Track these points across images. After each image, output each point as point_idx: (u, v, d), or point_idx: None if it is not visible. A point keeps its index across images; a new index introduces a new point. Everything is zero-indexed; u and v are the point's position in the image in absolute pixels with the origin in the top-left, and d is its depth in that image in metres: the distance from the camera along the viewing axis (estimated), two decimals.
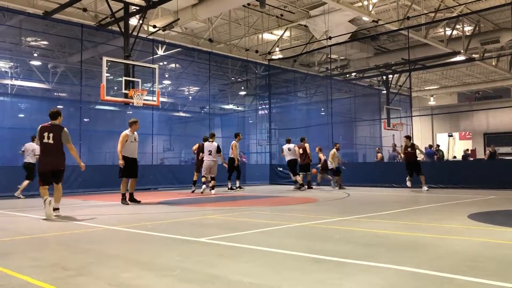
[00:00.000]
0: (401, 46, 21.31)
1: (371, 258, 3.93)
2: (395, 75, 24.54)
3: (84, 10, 14.30)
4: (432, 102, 32.10)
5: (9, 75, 21.08)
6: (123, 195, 9.93)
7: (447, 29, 18.77)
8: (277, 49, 20.35)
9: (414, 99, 27.64)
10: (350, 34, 18.56)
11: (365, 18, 16.80)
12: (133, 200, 10.07)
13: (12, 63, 20.68)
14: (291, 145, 14.93)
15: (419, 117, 28.80)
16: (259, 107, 24.00)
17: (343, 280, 3.29)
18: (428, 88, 30.54)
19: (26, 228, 6.53)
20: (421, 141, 29.58)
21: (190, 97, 28.67)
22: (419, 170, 13.45)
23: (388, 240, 5.01)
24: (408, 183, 13.67)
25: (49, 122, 7.44)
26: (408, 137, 13.98)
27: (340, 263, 3.82)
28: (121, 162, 9.69)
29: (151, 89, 14.73)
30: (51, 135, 7.28)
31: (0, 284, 3.29)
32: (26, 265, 3.90)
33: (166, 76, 24.65)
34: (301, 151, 14.81)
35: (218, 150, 13.04)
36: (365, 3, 15.35)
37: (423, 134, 30.73)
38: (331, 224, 6.31)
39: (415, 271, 3.47)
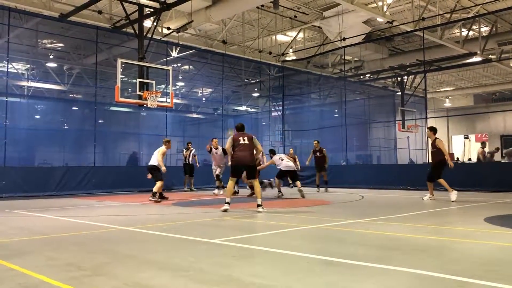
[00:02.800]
0: (416, 47, 21.12)
1: (385, 261, 3.90)
2: (410, 76, 24.32)
3: (99, 12, 14.45)
4: (447, 103, 31.73)
5: (26, 77, 21.39)
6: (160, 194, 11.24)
7: (463, 29, 18.55)
8: (290, 50, 20.32)
9: (429, 100, 27.35)
10: (365, 35, 18.45)
11: (380, 19, 16.68)
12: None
13: (28, 65, 20.98)
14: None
15: (434, 118, 28.45)
16: (273, 109, 23.98)
17: (356, 283, 3.27)
18: (443, 89, 30.20)
19: (42, 227, 6.61)
20: None
21: (204, 99, 28.76)
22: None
23: (402, 243, 4.96)
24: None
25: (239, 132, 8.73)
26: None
27: (353, 265, 3.80)
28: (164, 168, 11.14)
29: (165, 90, 14.81)
30: (245, 138, 8.58)
31: (17, 282, 3.34)
32: (42, 264, 3.95)
33: (180, 77, 24.76)
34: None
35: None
36: (380, 4, 15.25)
37: (439, 136, 30.32)
38: (345, 227, 6.27)
39: (429, 275, 3.43)
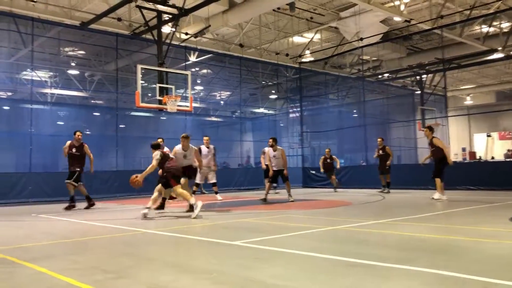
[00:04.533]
0: (434, 45, 20.86)
1: (408, 262, 3.88)
2: (429, 75, 24.01)
3: (119, 19, 14.70)
4: (468, 101, 31.22)
5: (49, 85, 21.87)
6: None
7: (483, 26, 18.24)
8: (307, 51, 20.31)
9: (450, 99, 26.97)
10: (382, 34, 18.31)
11: (397, 18, 16.54)
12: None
13: (51, 73, 21.46)
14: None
15: (455, 117, 28.05)
16: (290, 110, 23.96)
17: (379, 285, 3.26)
18: (464, 87, 29.72)
19: (67, 231, 6.76)
20: (458, 142, 28.78)
21: (222, 102, 28.94)
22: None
23: (425, 244, 4.92)
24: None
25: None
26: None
27: (375, 267, 3.79)
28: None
29: (184, 94, 14.97)
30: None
31: (45, 285, 3.45)
32: (68, 267, 4.05)
33: (198, 81, 24.98)
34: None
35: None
36: (397, 3, 15.14)
37: (460, 134, 29.88)
38: (366, 228, 6.24)
39: (454, 276, 3.40)
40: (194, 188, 12.46)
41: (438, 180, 10.37)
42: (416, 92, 25.60)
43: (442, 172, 10.44)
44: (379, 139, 14.58)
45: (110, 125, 16.79)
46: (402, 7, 15.28)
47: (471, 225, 6.39)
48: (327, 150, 16.33)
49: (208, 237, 5.66)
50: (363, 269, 3.74)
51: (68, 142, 10.65)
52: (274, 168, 11.26)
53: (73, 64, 20.98)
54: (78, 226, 7.38)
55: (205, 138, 12.45)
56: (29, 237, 6.22)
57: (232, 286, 3.31)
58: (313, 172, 19.20)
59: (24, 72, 19.69)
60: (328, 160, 15.96)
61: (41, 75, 21.24)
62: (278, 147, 11.39)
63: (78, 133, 10.72)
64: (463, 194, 12.51)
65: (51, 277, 3.68)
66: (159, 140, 10.98)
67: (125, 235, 6.17)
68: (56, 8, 13.96)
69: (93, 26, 14.34)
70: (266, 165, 12.11)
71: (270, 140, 11.37)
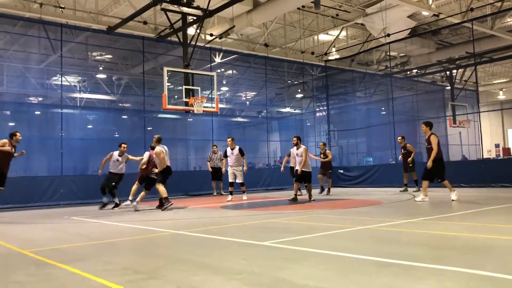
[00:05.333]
0: (465, 39, 20.33)
1: (442, 261, 3.77)
2: (460, 69, 23.42)
3: (145, 23, 14.90)
4: (501, 96, 30.28)
5: (78, 89, 22.39)
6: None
7: None
8: (333, 49, 20.11)
9: (481, 93, 26.23)
10: (410, 29, 17.95)
11: (425, 13, 16.18)
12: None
13: (80, 78, 21.96)
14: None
15: (487, 112, 27.24)
16: (317, 109, 23.78)
17: (413, 285, 3.19)
18: (496, 81, 28.87)
19: (99, 233, 6.88)
20: (491, 138, 27.96)
21: (248, 102, 28.98)
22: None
23: (459, 242, 4.78)
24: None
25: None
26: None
27: (408, 266, 3.70)
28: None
29: (210, 96, 15.04)
30: None
31: (79, 286, 3.51)
32: (100, 268, 4.11)
33: (224, 82, 25.09)
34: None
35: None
36: None
37: (493, 130, 29.03)
38: (397, 227, 6.12)
39: (490, 275, 3.29)
40: (230, 188, 12.47)
41: (447, 182, 9.79)
42: (446, 88, 25.03)
43: (444, 176, 9.77)
44: (399, 138, 14.05)
45: (138, 127, 17.04)
46: (430, 1, 14.95)
47: (506, 223, 6.18)
48: (321, 144, 14.93)
49: (238, 237, 5.65)
50: (395, 269, 3.66)
51: (5, 142, 9.06)
52: (297, 167, 11.18)
53: (101, 68, 21.41)
54: (108, 228, 7.50)
55: (228, 139, 12.45)
56: (62, 239, 6.36)
57: (262, 287, 3.29)
58: (341, 171, 19.01)
59: (54, 78, 20.22)
60: (322, 156, 14.38)
61: (70, 80, 21.75)
62: (302, 145, 11.32)
63: (18, 134, 9.28)
64: (498, 192, 12.15)
65: (85, 278, 3.74)
66: (123, 145, 11.28)
67: (154, 236, 6.24)
68: (83, 13, 14.26)
69: (119, 30, 14.58)
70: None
71: (295, 139, 11.27)
